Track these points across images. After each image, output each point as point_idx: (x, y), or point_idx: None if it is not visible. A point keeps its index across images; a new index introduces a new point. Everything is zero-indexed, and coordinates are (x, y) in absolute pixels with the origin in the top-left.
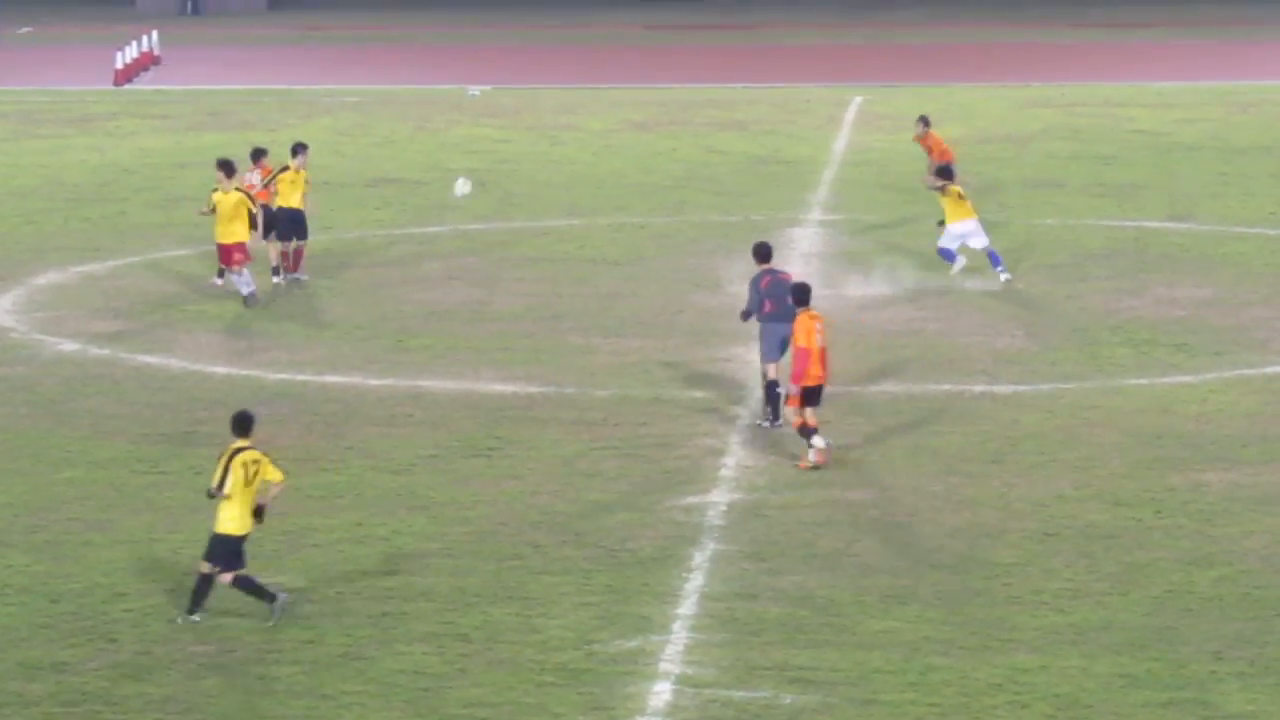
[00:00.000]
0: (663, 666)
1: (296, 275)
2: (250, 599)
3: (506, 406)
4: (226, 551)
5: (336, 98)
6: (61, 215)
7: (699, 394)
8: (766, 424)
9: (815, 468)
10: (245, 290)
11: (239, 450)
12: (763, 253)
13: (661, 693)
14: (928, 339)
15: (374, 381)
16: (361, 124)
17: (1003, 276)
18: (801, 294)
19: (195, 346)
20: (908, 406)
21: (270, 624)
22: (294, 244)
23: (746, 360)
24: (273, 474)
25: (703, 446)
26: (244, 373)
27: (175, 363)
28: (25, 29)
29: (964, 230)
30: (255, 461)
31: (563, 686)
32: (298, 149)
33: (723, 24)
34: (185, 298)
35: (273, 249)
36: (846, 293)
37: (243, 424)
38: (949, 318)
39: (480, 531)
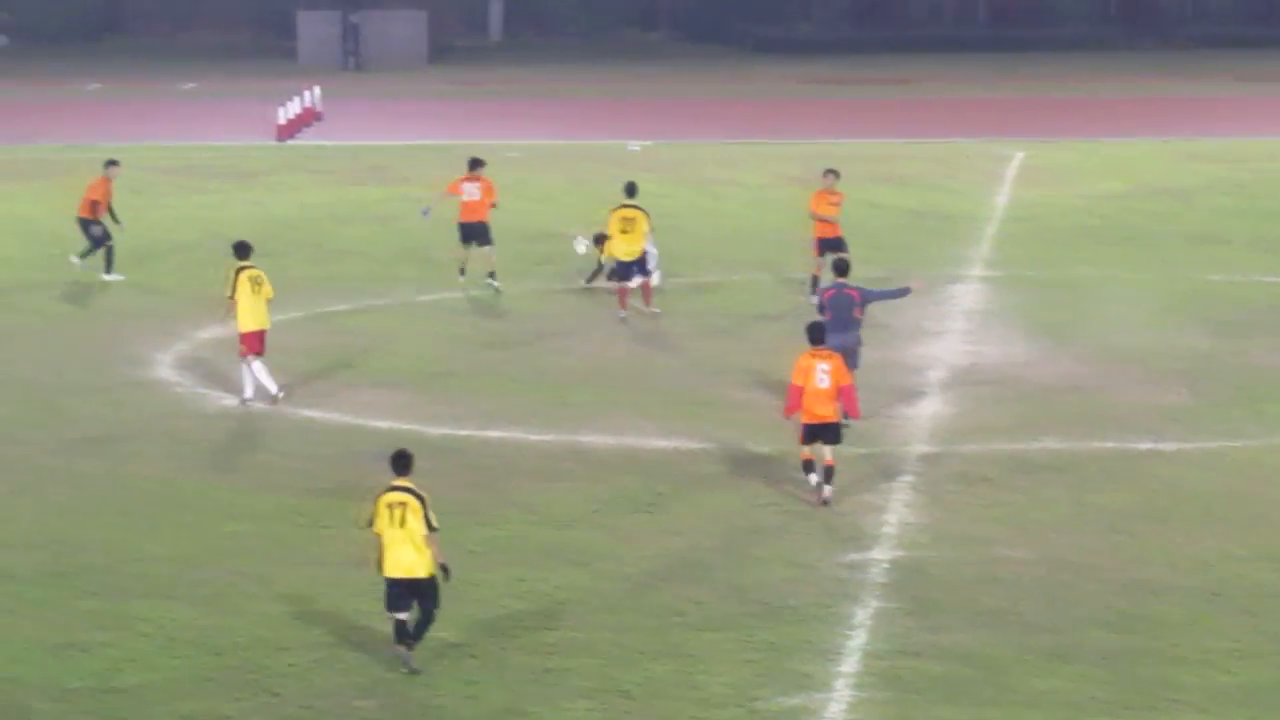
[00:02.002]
0: None
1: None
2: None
3: (667, 462)
4: (387, 593)
5: (497, 153)
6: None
7: (861, 450)
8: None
9: (824, 504)
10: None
11: (388, 489)
12: (839, 267)
13: None
14: (1090, 395)
15: (534, 436)
16: (522, 179)
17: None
18: (813, 332)
19: (357, 401)
20: (1070, 463)
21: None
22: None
23: (911, 417)
24: (417, 522)
25: (864, 503)
26: (405, 427)
27: (337, 417)
28: (189, 85)
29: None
30: (401, 504)
31: None
32: (631, 188)
33: (879, 78)
34: (347, 352)
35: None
36: (1009, 349)
37: (396, 462)
38: (1111, 374)
39: (641, 586)
